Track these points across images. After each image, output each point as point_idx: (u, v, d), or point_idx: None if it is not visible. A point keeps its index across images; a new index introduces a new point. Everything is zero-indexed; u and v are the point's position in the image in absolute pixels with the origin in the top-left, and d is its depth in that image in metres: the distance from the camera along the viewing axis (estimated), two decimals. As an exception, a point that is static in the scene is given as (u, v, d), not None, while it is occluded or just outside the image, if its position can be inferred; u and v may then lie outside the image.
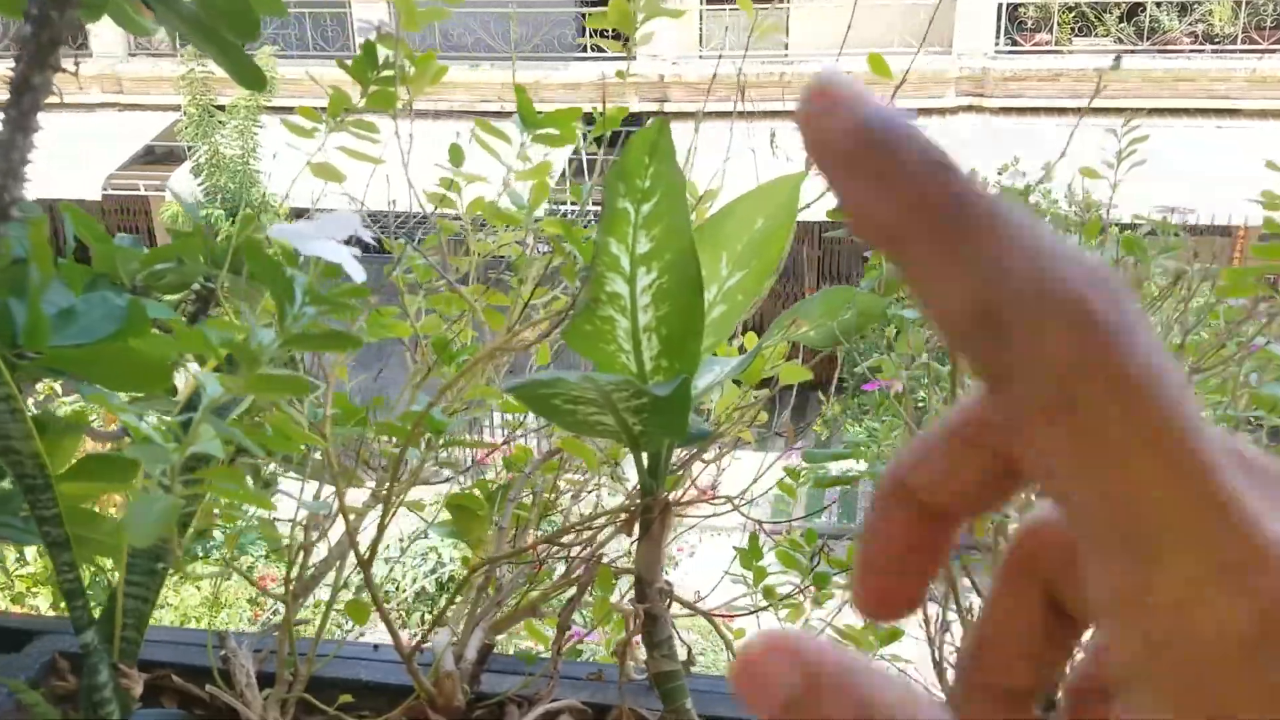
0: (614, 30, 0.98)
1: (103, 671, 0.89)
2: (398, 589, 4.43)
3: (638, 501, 0.91)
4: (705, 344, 0.88)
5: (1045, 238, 0.16)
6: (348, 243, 0.59)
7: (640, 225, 0.79)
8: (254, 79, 0.93)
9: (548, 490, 1.12)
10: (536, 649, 1.10)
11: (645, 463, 0.91)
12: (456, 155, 0.95)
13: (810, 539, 1.06)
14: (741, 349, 1.08)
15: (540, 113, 0.88)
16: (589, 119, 1.00)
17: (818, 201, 1.01)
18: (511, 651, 1.11)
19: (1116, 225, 0.87)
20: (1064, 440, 0.16)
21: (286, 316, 0.58)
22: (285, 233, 0.56)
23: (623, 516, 0.93)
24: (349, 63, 0.87)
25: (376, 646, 1.09)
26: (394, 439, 0.97)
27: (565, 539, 0.99)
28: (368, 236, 0.70)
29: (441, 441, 0.89)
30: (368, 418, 0.96)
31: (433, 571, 4.56)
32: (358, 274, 0.57)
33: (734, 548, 1.13)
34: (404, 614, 4.27)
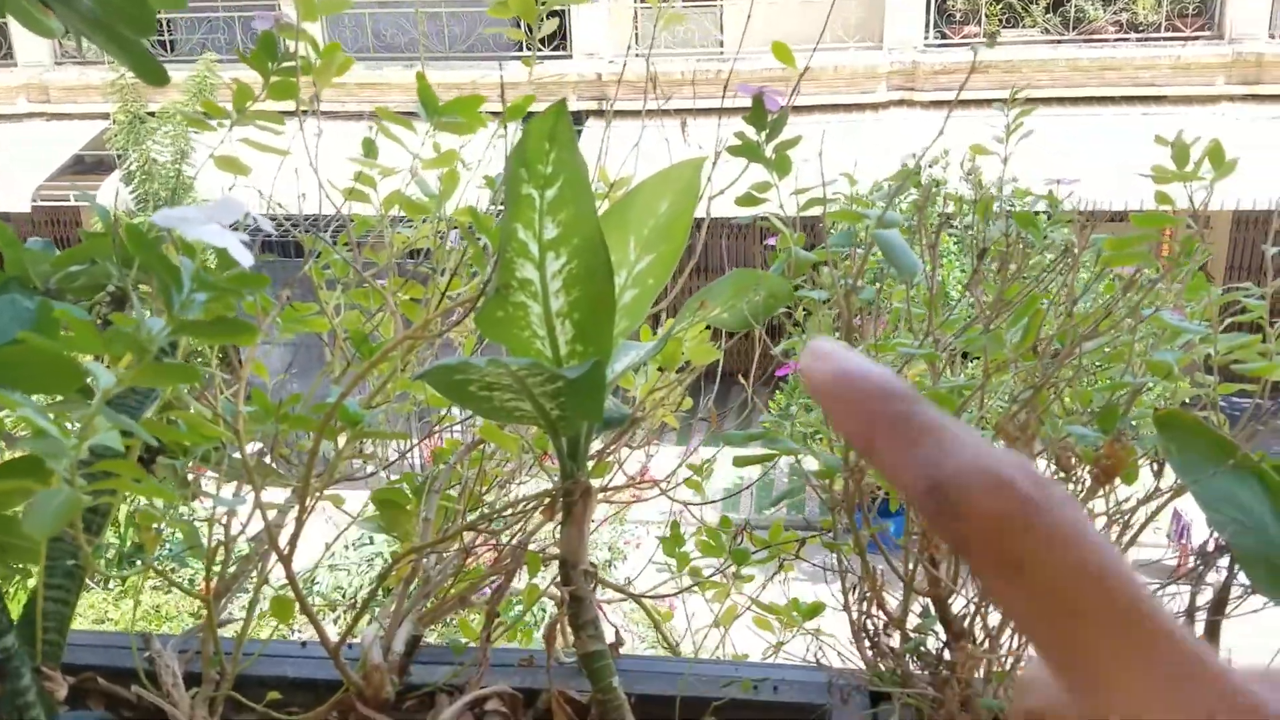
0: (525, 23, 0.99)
1: (25, 675, 0.88)
2: (344, 596, 4.40)
3: (559, 486, 0.93)
4: (619, 328, 0.89)
5: (976, 440, 0.22)
6: (242, 229, 0.59)
7: (546, 211, 0.80)
8: (155, 75, 0.93)
9: (475, 482, 1.12)
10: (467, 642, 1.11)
11: (565, 447, 0.92)
12: (370, 148, 0.95)
13: (725, 525, 1.08)
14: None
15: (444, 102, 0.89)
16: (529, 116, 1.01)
17: (729, 189, 1.03)
18: (443, 641, 1.11)
19: (1011, 202, 0.90)
20: (1014, 593, 0.21)
21: (174, 304, 0.58)
22: (170, 218, 0.56)
23: (545, 501, 0.94)
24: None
25: (304, 643, 1.09)
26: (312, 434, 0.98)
27: (491, 526, 1.00)
28: (268, 226, 0.70)
29: (358, 434, 0.89)
30: (285, 413, 0.96)
31: (379, 577, 4.54)
32: (245, 259, 0.57)
33: (657, 537, 1.15)
34: (349, 619, 4.24)
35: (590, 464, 0.97)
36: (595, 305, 0.84)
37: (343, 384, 0.92)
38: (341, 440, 0.93)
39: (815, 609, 1.05)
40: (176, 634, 1.09)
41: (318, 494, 0.90)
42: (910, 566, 0.89)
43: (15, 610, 0.92)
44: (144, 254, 0.58)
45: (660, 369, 1.11)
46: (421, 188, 0.95)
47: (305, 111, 0.98)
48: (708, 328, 1.06)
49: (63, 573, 0.95)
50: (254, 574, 0.98)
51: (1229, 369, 0.90)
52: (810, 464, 1.00)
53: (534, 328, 0.87)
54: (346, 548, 4.92)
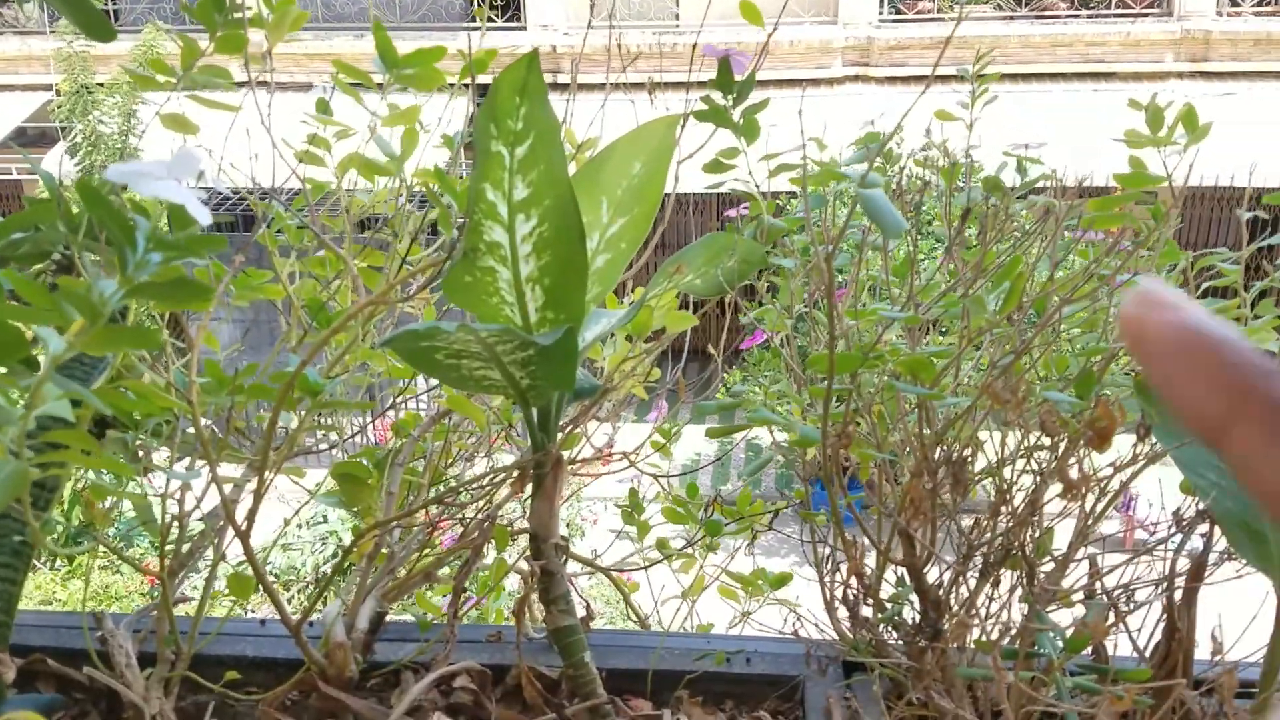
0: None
1: (-33, 659, 0.84)
2: (298, 575, 4.34)
3: (530, 458, 0.90)
4: (591, 294, 0.86)
5: None
6: (196, 191, 0.56)
7: (516, 170, 0.77)
8: (103, 31, 0.88)
9: (439, 456, 1.10)
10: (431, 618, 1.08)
11: (535, 418, 0.89)
12: (323, 107, 0.91)
13: (692, 492, 1.07)
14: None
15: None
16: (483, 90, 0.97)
17: (696, 155, 1.01)
18: (408, 617, 1.08)
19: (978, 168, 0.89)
20: None
21: (129, 264, 0.55)
22: (124, 173, 0.52)
23: (515, 474, 0.91)
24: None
25: (263, 621, 1.06)
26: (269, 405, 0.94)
27: (459, 499, 0.97)
28: (223, 188, 0.67)
29: (318, 405, 0.86)
30: (242, 384, 0.93)
31: (333, 556, 4.49)
32: (203, 217, 0.54)
33: (616, 504, 1.14)
34: (304, 598, 4.20)
35: (559, 436, 0.94)
36: (567, 270, 0.82)
37: (301, 353, 0.88)
38: (300, 412, 0.89)
39: (783, 579, 1.04)
40: (129, 613, 1.05)
41: (276, 467, 0.87)
42: (885, 536, 0.88)
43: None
44: (97, 210, 0.54)
45: (629, 338, 1.08)
46: (382, 147, 0.91)
47: (258, 69, 0.94)
48: (677, 296, 1.04)
49: (9, 551, 0.90)
50: (209, 551, 0.94)
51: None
52: (780, 436, 0.98)
53: (503, 294, 0.84)
54: (300, 526, 4.85)
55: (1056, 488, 0.82)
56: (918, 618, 0.84)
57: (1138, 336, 0.19)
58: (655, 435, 1.10)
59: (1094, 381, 0.82)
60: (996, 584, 0.84)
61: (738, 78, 0.96)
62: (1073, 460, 0.81)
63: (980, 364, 0.84)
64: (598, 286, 0.87)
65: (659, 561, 1.09)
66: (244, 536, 0.86)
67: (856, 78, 9.91)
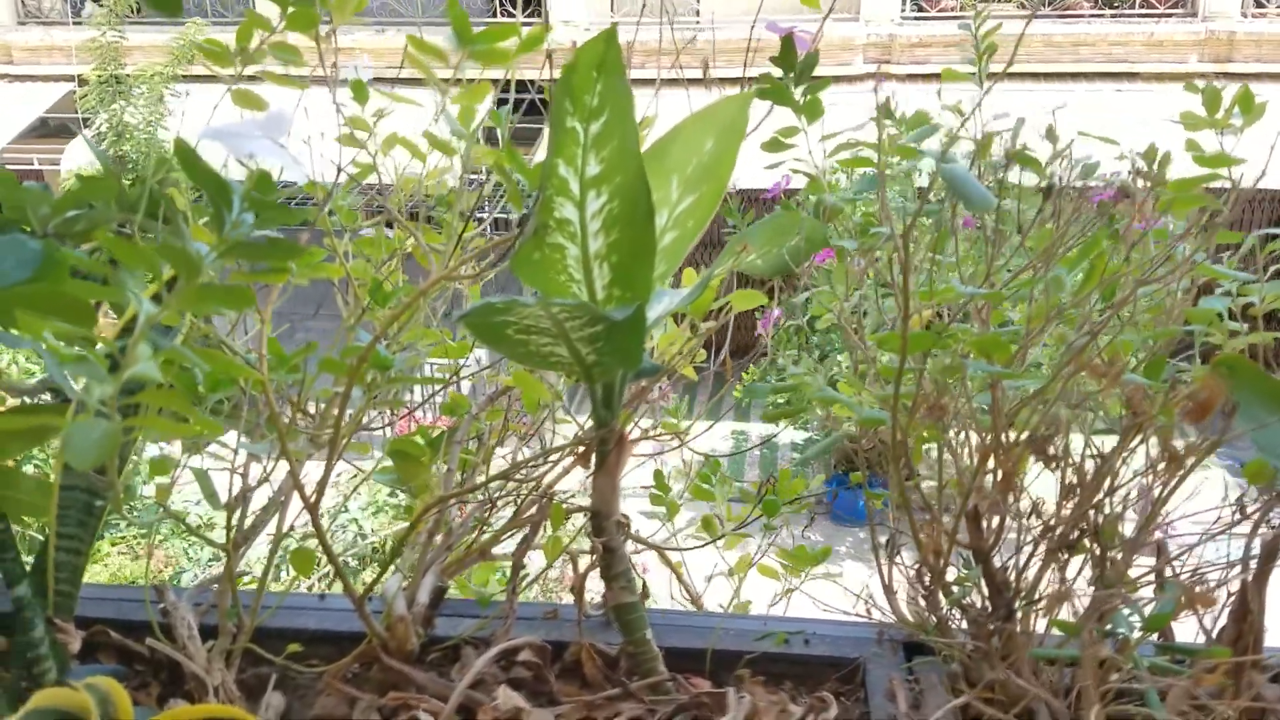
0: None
1: (38, 627, 0.85)
2: (319, 564, 4.35)
3: (594, 434, 0.90)
4: (658, 271, 0.87)
5: None
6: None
7: (589, 146, 0.77)
8: (168, 3, 0.89)
9: (494, 435, 1.10)
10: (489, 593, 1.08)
11: (599, 394, 0.90)
12: (360, 91, 0.92)
13: (714, 466, 1.08)
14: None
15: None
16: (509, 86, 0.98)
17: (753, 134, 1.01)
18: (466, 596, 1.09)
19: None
20: None
21: (225, 224, 0.55)
22: (219, 133, 0.53)
23: (579, 450, 0.91)
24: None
25: (323, 596, 1.06)
26: (335, 382, 0.95)
27: (519, 474, 0.97)
28: (299, 174, 0.67)
29: (388, 378, 0.86)
30: (301, 365, 0.93)
31: (353, 544, 4.51)
32: (299, 175, 0.54)
33: (644, 487, 1.15)
34: (327, 586, 4.21)
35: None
36: (635, 247, 0.82)
37: (367, 329, 0.89)
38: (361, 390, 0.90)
39: (824, 552, 1.04)
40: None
41: (345, 440, 0.88)
42: (952, 521, 0.88)
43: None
44: (194, 171, 0.55)
45: (676, 319, 1.08)
46: (450, 124, 0.91)
47: (324, 51, 0.94)
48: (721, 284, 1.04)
49: (74, 522, 0.91)
50: (271, 525, 0.95)
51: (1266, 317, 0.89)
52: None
53: (570, 271, 0.84)
54: (323, 514, 4.85)
55: (1124, 472, 0.82)
56: (984, 601, 0.84)
57: None
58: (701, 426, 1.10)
59: (1163, 364, 0.82)
60: (1064, 568, 0.84)
61: (801, 54, 0.96)
62: (1163, 433, 0.80)
63: (1047, 348, 0.84)
64: (664, 264, 0.87)
65: (710, 542, 1.09)
66: (313, 508, 0.86)
67: (878, 75, 9.87)
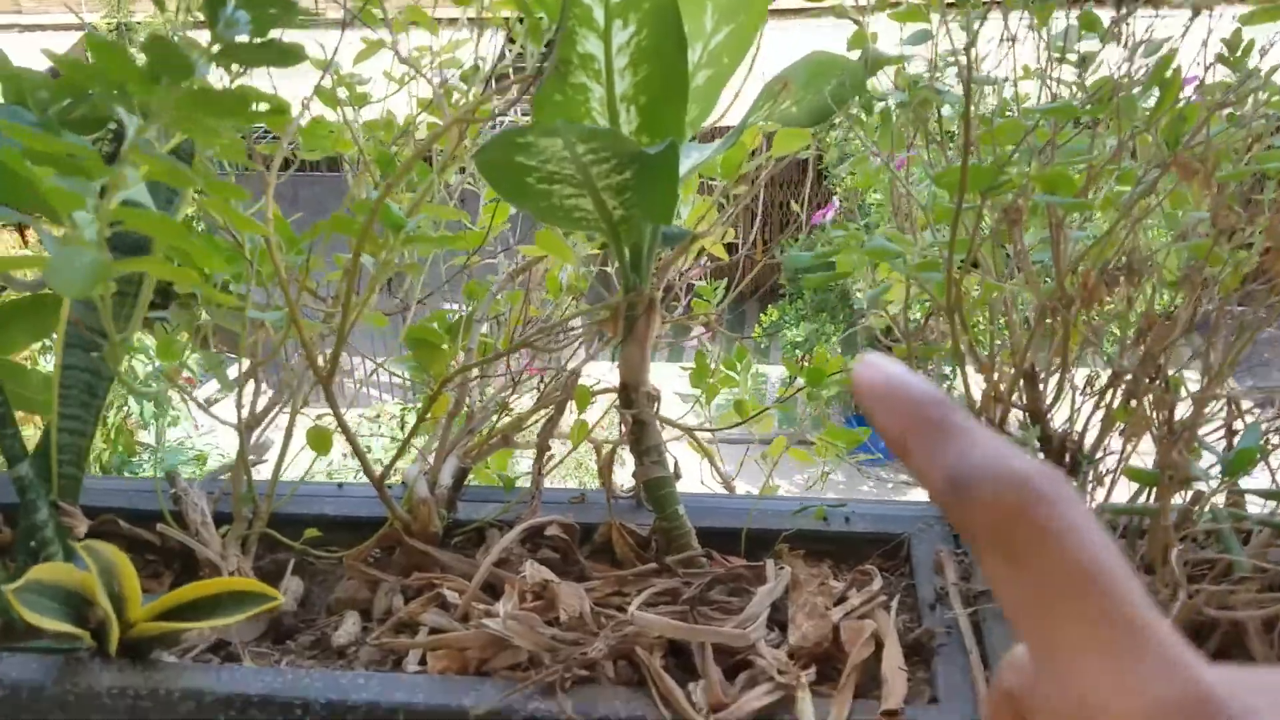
0: None
1: (42, 509, 0.81)
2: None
3: (621, 299, 0.85)
4: (690, 115, 0.80)
5: (1002, 444, 0.23)
6: None
7: (614, -33, 0.70)
8: None
9: (523, 310, 1.04)
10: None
11: (628, 257, 0.84)
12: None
13: (740, 355, 1.02)
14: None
15: None
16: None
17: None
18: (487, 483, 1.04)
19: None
20: (1007, 582, 0.22)
21: (219, 22, 0.49)
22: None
23: (605, 315, 0.86)
24: None
25: (340, 484, 1.02)
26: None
27: (544, 345, 0.92)
28: None
29: (402, 240, 0.80)
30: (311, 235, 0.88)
31: (426, 406, 4.49)
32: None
33: (682, 367, 1.10)
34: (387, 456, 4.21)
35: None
36: (666, 86, 0.75)
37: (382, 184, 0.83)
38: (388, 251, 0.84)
39: (856, 438, 0.98)
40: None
41: (358, 312, 0.82)
42: (1005, 384, 0.83)
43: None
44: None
45: (708, 179, 1.02)
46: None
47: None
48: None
49: (77, 402, 0.87)
50: (286, 404, 0.90)
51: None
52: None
53: (594, 114, 0.78)
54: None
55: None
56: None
57: (857, 388, 0.25)
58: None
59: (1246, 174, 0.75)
60: (1126, 430, 0.78)
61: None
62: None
63: (1112, 189, 0.77)
64: (697, 107, 0.81)
65: (742, 422, 1.04)
66: (326, 381, 0.81)
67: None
